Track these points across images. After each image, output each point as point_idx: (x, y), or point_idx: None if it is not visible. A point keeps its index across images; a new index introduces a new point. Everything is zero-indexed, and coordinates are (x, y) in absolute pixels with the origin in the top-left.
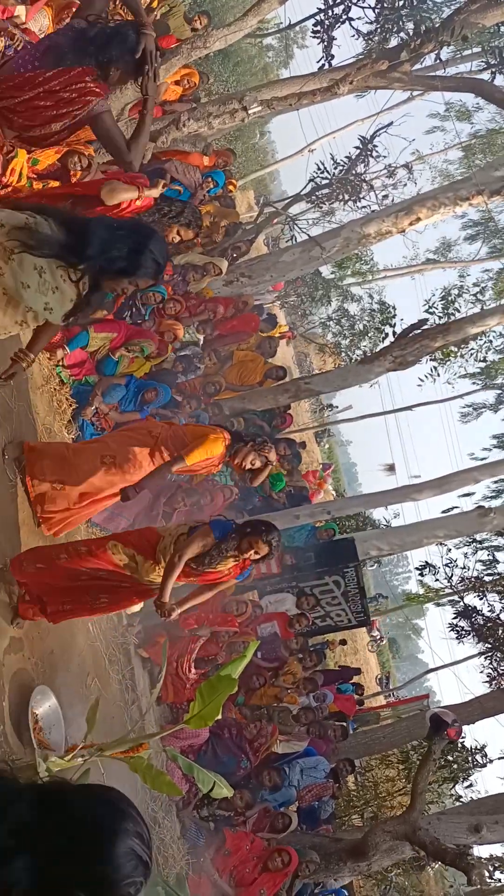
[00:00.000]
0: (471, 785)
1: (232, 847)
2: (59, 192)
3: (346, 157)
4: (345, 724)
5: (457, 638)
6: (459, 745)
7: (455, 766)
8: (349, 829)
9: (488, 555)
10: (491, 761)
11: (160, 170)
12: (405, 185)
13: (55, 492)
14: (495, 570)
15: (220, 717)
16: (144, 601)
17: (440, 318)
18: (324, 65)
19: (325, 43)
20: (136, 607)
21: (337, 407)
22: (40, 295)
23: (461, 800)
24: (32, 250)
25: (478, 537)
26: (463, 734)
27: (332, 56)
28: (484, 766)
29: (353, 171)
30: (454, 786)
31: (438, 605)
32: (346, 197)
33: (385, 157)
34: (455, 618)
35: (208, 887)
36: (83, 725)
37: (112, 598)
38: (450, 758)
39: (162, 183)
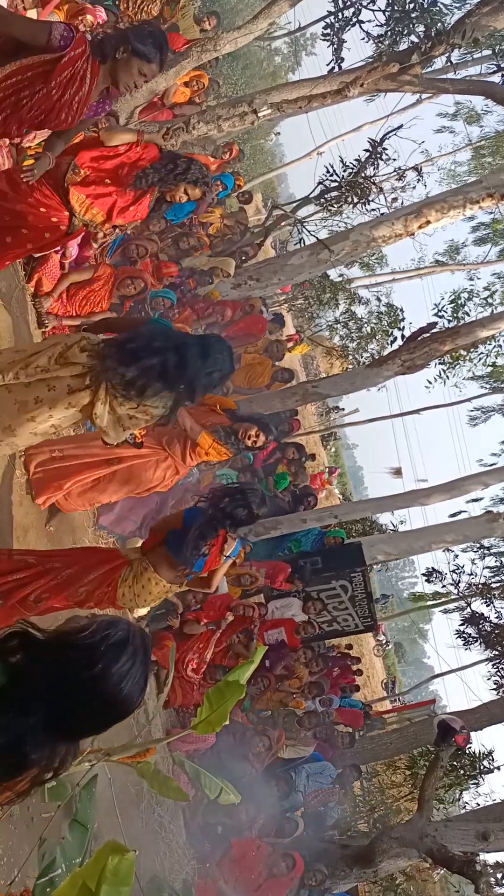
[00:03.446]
0: (478, 789)
1: (238, 853)
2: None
3: (356, 159)
4: (351, 730)
5: (464, 645)
6: (467, 751)
7: (462, 772)
8: (355, 834)
9: (496, 561)
10: (498, 768)
11: None
12: (414, 187)
13: (52, 459)
14: (503, 577)
15: (227, 722)
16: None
17: (449, 321)
18: (334, 67)
19: (335, 45)
20: (143, 610)
21: (343, 409)
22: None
23: (468, 806)
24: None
25: (485, 543)
26: (470, 741)
27: (342, 59)
28: (491, 771)
29: (363, 174)
30: (461, 792)
31: (445, 611)
32: (356, 200)
33: (395, 159)
34: (462, 624)
35: (214, 893)
36: None
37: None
38: (457, 764)
39: (165, 129)
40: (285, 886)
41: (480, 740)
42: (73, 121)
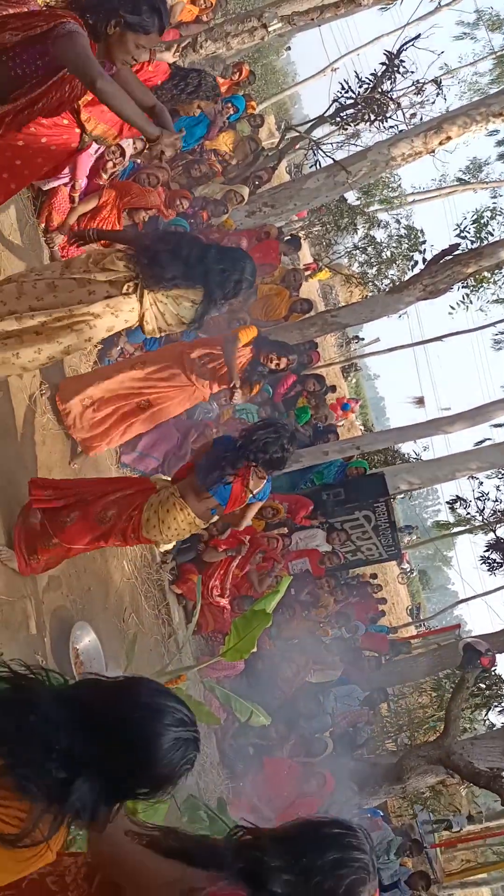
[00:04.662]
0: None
1: (270, 772)
2: None
3: (372, 74)
4: (378, 654)
5: (489, 570)
6: (492, 672)
7: (488, 692)
8: (384, 753)
9: None
10: None
11: None
12: (433, 102)
13: (85, 409)
14: None
15: (255, 649)
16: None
17: (472, 242)
18: None
19: None
20: (168, 545)
21: (363, 339)
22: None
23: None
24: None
25: None
26: (496, 662)
27: None
28: None
29: (379, 89)
30: (487, 712)
31: (472, 532)
32: (373, 117)
33: (413, 72)
34: (487, 550)
35: (248, 811)
36: (122, 659)
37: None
38: (482, 685)
39: (175, 46)
40: (316, 803)
41: None
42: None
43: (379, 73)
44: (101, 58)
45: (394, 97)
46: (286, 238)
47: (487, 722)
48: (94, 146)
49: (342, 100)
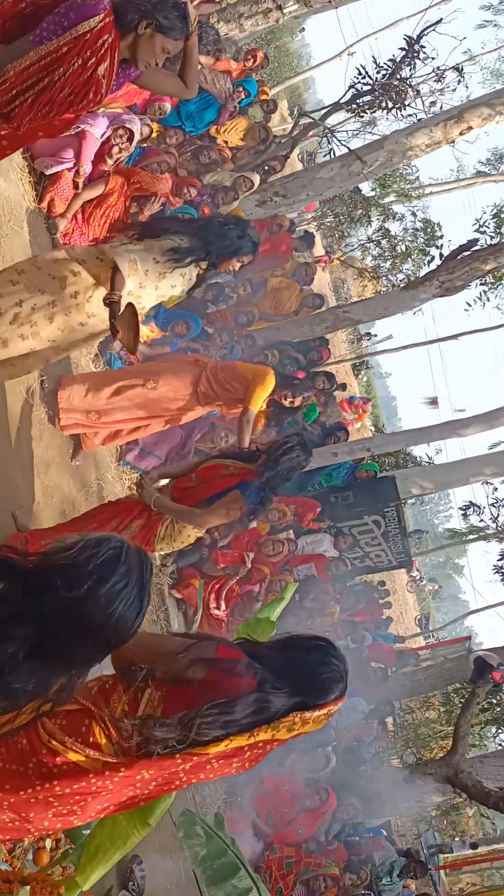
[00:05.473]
0: None
1: (270, 787)
2: None
3: (390, 59)
4: (384, 666)
5: (502, 580)
6: None
7: (499, 708)
8: (389, 769)
9: None
10: None
11: None
12: (454, 89)
13: (84, 399)
14: None
15: None
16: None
17: (492, 237)
18: None
19: None
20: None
21: (376, 336)
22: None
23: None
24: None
25: None
26: None
27: None
28: None
29: (398, 76)
30: (498, 729)
31: (485, 540)
32: (390, 105)
33: (433, 58)
34: (501, 559)
35: (247, 826)
36: None
37: None
38: (493, 700)
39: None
40: (318, 819)
41: None
42: (100, 100)
43: (398, 59)
44: (125, 54)
45: (413, 84)
46: (299, 234)
47: (497, 738)
48: (101, 130)
49: (359, 86)
